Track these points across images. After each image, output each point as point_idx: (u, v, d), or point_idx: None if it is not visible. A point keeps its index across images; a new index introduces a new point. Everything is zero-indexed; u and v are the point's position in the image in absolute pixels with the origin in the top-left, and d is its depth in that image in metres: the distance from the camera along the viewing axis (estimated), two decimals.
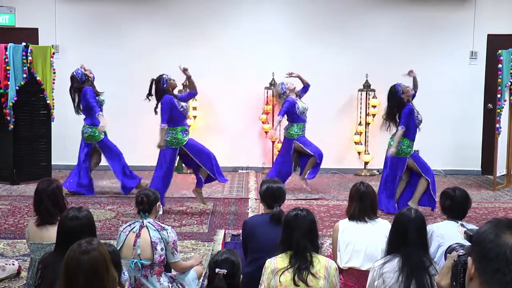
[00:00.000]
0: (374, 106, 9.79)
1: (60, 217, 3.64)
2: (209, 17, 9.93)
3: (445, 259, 1.95)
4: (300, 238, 3.52)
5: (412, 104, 7.15)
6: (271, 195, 4.46)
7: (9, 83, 8.36)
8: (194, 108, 9.73)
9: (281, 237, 3.65)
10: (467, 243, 1.85)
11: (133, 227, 4.15)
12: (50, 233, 4.17)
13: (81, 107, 7.96)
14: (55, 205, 4.29)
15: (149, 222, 4.15)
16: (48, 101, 8.76)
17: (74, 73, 7.99)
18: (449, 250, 2.07)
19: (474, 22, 9.82)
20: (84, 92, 7.84)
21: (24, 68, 8.47)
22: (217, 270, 3.21)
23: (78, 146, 9.44)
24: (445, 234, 4.14)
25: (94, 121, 7.86)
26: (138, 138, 9.74)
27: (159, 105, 6.92)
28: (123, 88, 9.65)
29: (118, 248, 4.12)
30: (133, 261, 4.07)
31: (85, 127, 7.98)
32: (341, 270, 4.18)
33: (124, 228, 4.19)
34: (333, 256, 4.37)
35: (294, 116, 8.02)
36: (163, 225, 4.21)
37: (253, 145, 10.05)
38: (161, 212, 4.37)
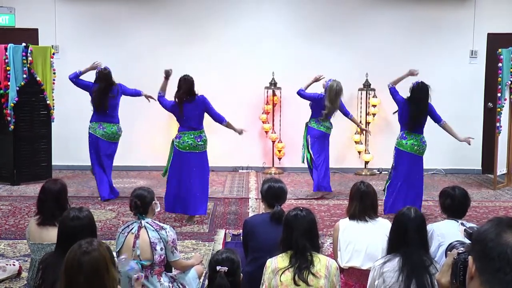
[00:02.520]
0: (374, 106, 9.80)
1: (61, 217, 3.63)
2: (209, 17, 9.93)
3: (446, 257, 1.95)
4: (300, 238, 3.52)
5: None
6: (272, 194, 4.46)
7: (9, 83, 8.36)
8: None
9: (281, 237, 3.65)
10: (468, 241, 1.85)
11: (132, 228, 4.14)
12: (51, 234, 4.15)
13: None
14: (58, 205, 4.27)
15: (147, 223, 4.14)
16: (48, 102, 8.75)
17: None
18: (450, 247, 2.07)
19: (474, 21, 9.82)
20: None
21: (24, 69, 8.47)
22: (218, 267, 3.21)
23: (79, 147, 9.45)
24: (446, 233, 4.14)
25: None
26: (137, 138, 9.74)
27: (204, 103, 6.75)
28: None
29: (117, 250, 4.11)
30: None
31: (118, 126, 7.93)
32: (341, 270, 4.18)
33: (122, 230, 4.18)
34: (334, 256, 4.37)
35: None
36: (161, 224, 4.19)
37: (254, 145, 10.05)
38: (158, 209, 4.32)
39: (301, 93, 7.91)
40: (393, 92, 6.99)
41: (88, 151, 7.83)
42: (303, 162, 8.07)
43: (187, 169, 6.67)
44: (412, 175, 6.89)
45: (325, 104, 7.77)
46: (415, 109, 6.76)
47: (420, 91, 6.72)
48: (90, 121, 7.80)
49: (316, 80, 8.05)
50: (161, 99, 6.81)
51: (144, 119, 9.73)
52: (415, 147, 6.86)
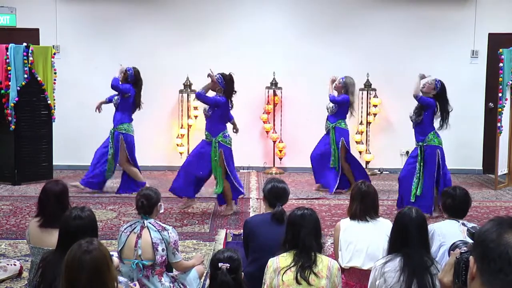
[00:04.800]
0: (375, 105, 9.79)
1: (63, 216, 3.62)
2: (210, 17, 9.92)
3: (449, 256, 1.95)
4: (307, 236, 3.53)
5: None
6: (275, 194, 4.45)
7: (10, 83, 8.36)
8: (195, 108, 9.73)
9: (285, 237, 3.64)
10: (470, 241, 1.85)
11: (134, 228, 4.14)
12: (52, 238, 3.92)
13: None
14: (59, 206, 4.20)
15: (150, 223, 4.14)
16: (49, 102, 8.75)
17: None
18: (453, 247, 2.07)
19: (475, 21, 9.82)
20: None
21: (25, 69, 8.47)
22: (220, 264, 3.22)
23: (80, 147, 9.45)
24: (447, 234, 4.14)
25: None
26: (139, 138, 9.72)
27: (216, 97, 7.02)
28: None
29: (119, 249, 4.12)
30: (134, 261, 4.06)
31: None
32: (342, 270, 4.18)
33: (125, 229, 4.18)
34: (335, 256, 4.37)
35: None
36: (164, 225, 4.19)
37: (255, 144, 10.05)
38: (162, 211, 4.33)
39: (335, 100, 8.08)
40: (422, 99, 7.04)
41: (132, 152, 8.16)
42: (337, 170, 8.16)
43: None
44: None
45: (351, 100, 8.11)
46: (447, 105, 7.06)
47: (444, 88, 7.09)
48: (129, 122, 8.10)
49: (333, 81, 8.25)
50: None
51: (145, 119, 9.73)
52: None
